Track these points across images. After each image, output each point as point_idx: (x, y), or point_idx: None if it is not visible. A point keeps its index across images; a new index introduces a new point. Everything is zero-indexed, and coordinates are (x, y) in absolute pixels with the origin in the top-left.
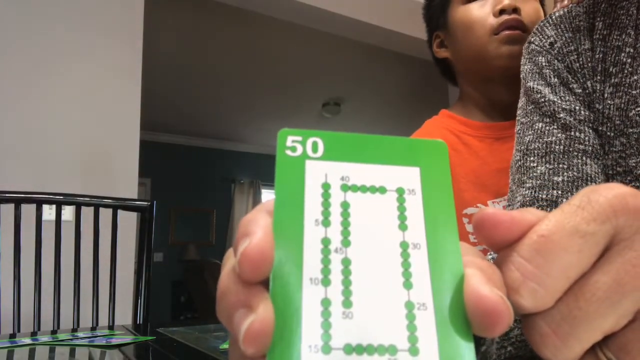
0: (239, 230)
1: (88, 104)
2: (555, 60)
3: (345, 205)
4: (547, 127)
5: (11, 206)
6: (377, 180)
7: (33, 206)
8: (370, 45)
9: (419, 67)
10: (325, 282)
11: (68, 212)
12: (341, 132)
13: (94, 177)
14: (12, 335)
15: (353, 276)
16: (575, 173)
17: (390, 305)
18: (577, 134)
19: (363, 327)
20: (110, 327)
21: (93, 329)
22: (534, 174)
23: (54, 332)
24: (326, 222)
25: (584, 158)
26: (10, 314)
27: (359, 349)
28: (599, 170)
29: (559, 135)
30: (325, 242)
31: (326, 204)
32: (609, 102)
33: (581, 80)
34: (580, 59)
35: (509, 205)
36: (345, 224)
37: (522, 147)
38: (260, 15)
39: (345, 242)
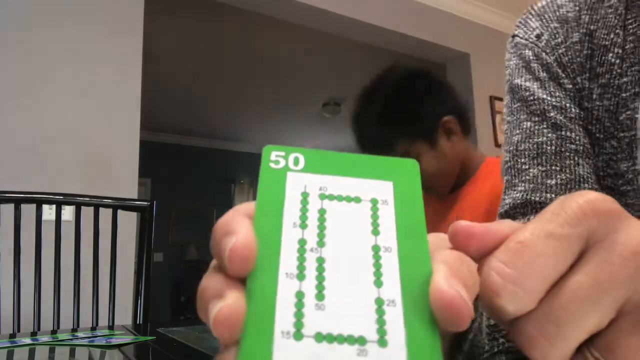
0: (218, 230)
1: (88, 104)
2: (543, 53)
3: (322, 212)
4: (537, 127)
5: (11, 206)
6: (353, 191)
7: (33, 206)
8: (370, 45)
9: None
10: (300, 277)
11: (68, 212)
12: (321, 150)
13: (94, 177)
14: (12, 335)
15: (327, 273)
16: (568, 175)
17: (361, 300)
18: (568, 133)
19: (334, 319)
20: (110, 327)
21: (93, 329)
22: (527, 176)
23: (54, 332)
24: (303, 225)
25: (575, 158)
26: (10, 314)
27: (330, 338)
28: (591, 171)
29: (550, 135)
30: (302, 242)
31: (304, 210)
32: (598, 103)
33: (571, 75)
34: (569, 52)
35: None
36: (322, 227)
37: (511, 148)
38: (260, 15)
39: (321, 243)
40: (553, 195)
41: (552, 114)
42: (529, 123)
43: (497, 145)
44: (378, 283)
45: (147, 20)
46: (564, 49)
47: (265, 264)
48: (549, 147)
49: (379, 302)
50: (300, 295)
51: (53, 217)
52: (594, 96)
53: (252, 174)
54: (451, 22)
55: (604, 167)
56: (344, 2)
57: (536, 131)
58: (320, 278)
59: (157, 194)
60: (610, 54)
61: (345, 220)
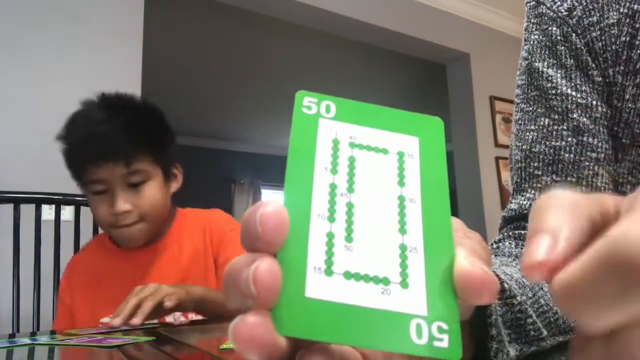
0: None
1: None
2: (574, 35)
3: (351, 159)
4: (556, 127)
5: (11, 206)
6: (381, 143)
7: (32, 206)
8: (370, 45)
9: (419, 67)
10: (331, 219)
11: (67, 212)
12: (351, 100)
13: None
14: (12, 335)
15: (355, 217)
16: (584, 188)
17: (386, 244)
18: (590, 139)
19: (361, 260)
20: None
21: None
22: (538, 184)
23: (53, 332)
24: (334, 171)
25: (595, 168)
26: (10, 314)
27: (357, 277)
28: (610, 180)
29: (570, 139)
30: (333, 186)
31: (335, 156)
32: (630, 105)
33: (602, 66)
34: (604, 37)
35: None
36: (351, 174)
37: (524, 147)
38: (260, 15)
39: (350, 189)
40: None
41: (574, 115)
42: (546, 120)
43: (497, 145)
44: (402, 230)
45: (147, 20)
46: (598, 32)
47: (298, 203)
48: (567, 155)
49: (403, 247)
50: (330, 235)
51: (52, 217)
52: (627, 96)
53: (252, 174)
54: (451, 22)
55: (624, 174)
56: (344, 2)
57: (554, 132)
58: (349, 221)
59: None
60: None
61: (373, 169)
